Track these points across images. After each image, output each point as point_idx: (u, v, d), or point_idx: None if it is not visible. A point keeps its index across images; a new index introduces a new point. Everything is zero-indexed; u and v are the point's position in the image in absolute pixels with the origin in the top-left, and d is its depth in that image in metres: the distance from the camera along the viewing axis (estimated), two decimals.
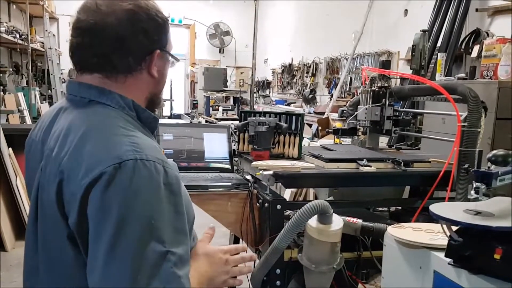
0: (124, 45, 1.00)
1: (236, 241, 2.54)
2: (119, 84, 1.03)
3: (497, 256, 1.13)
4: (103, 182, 0.85)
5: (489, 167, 1.23)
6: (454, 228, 1.25)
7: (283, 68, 9.59)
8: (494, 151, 1.23)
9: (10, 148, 4.42)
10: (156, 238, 0.85)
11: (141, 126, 1.04)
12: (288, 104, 8.75)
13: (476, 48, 3.81)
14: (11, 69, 8.05)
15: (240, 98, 9.87)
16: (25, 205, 4.21)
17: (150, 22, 1.02)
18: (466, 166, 1.35)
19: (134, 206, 0.85)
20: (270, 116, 2.24)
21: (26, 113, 7.04)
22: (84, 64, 1.04)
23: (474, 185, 1.21)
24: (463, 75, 3.29)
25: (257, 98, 10.21)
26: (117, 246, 0.82)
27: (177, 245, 0.88)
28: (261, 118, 2.21)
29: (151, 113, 1.07)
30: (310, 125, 6.10)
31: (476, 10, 4.30)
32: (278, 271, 1.87)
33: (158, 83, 1.10)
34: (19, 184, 4.25)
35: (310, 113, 7.07)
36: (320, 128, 5.46)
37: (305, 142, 3.12)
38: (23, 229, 4.09)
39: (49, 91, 9.63)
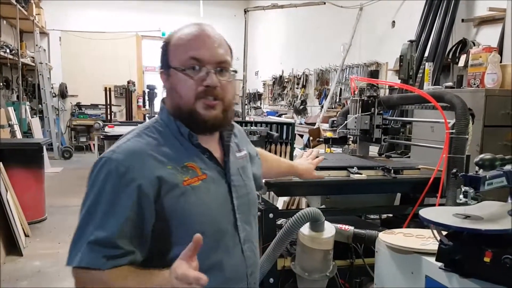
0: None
1: None
2: None
3: (487, 259, 1.14)
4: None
5: (477, 172, 1.25)
6: (444, 232, 1.27)
7: (273, 80, 9.66)
8: (481, 155, 1.25)
9: (1, 163, 4.39)
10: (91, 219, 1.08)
11: (175, 135, 1.21)
12: (280, 116, 8.79)
13: (463, 58, 3.87)
14: (1, 84, 8.03)
15: None
16: (16, 219, 4.17)
17: (163, 45, 1.22)
18: (454, 171, 1.36)
19: (91, 189, 1.11)
20: (261, 126, 2.25)
21: (16, 127, 7.02)
22: None
23: (463, 189, 1.22)
24: (450, 84, 3.33)
25: (249, 110, 10.24)
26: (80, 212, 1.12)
27: (100, 228, 1.06)
28: (252, 127, 2.22)
29: (177, 127, 1.21)
30: (301, 136, 6.13)
31: (462, 20, 4.38)
32: (271, 280, 1.87)
33: (171, 97, 1.22)
34: (9, 198, 4.21)
35: (301, 124, 7.10)
36: (311, 138, 5.49)
37: (297, 152, 3.13)
38: (13, 244, 4.05)
39: (40, 105, 9.59)
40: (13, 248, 4.05)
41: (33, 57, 9.18)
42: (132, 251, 1.08)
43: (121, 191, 1.08)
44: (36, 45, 9.09)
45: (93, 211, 1.08)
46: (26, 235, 4.48)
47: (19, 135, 7.05)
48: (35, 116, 9.12)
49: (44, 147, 5.50)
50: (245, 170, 1.34)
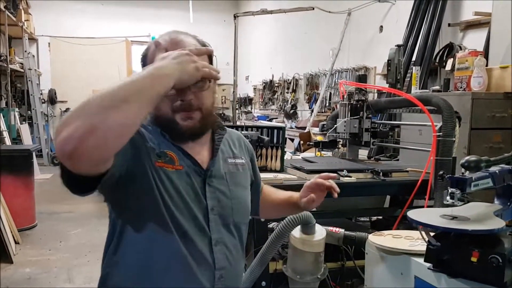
0: None
1: None
2: None
3: (474, 259, 1.16)
4: None
5: (463, 173, 1.28)
6: (432, 233, 1.29)
7: (264, 84, 9.69)
8: (467, 157, 1.27)
9: None
10: None
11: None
12: (270, 120, 8.81)
13: (449, 62, 3.92)
14: None
15: (222, 115, 9.89)
16: (5, 226, 4.14)
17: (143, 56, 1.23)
18: (441, 173, 1.39)
19: None
20: (252, 130, 2.27)
21: (5, 134, 6.95)
22: None
23: (450, 191, 1.25)
24: (437, 87, 3.37)
25: (240, 115, 10.26)
26: None
27: None
28: (243, 132, 2.24)
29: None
30: (292, 140, 6.16)
31: (449, 25, 4.45)
32: (263, 283, 1.88)
33: None
34: None
35: (292, 128, 7.13)
36: (302, 142, 5.51)
37: (288, 156, 3.15)
38: (3, 251, 4.01)
39: (29, 111, 9.53)
40: (3, 255, 4.01)
41: (22, 63, 9.11)
42: None
43: None
44: (25, 51, 9.02)
45: None
46: (16, 242, 4.44)
47: (8, 141, 6.99)
48: (24, 122, 9.05)
49: (34, 154, 5.46)
50: (234, 177, 1.29)
